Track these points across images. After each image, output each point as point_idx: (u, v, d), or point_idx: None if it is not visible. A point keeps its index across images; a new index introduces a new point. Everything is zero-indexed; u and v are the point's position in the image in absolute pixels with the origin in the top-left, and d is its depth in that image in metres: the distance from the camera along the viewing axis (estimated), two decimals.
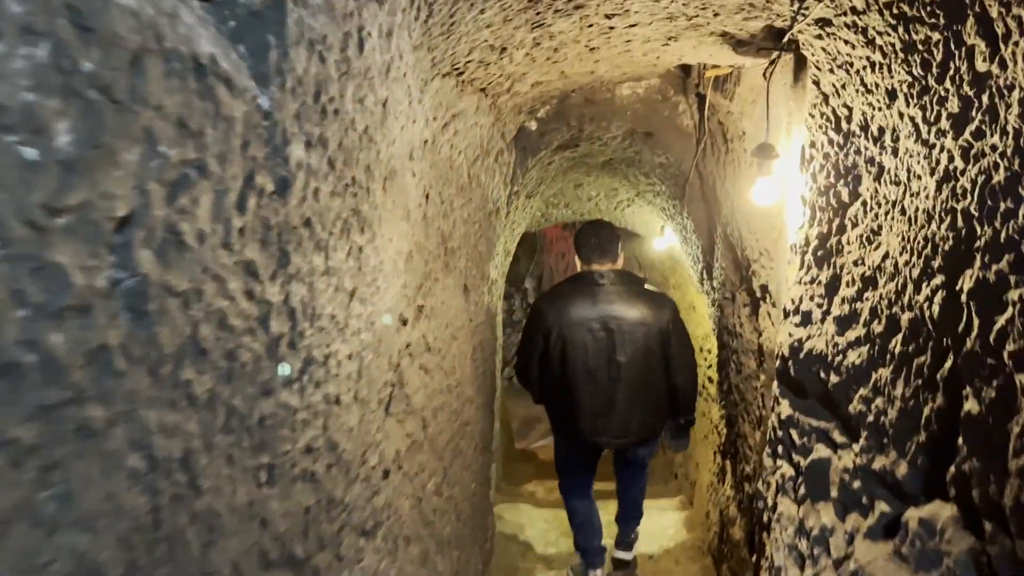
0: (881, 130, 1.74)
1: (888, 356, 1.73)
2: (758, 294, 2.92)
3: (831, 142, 2.00)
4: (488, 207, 3.06)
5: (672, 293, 6.03)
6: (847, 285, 1.98)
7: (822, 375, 2.12)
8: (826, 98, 1.98)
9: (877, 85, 1.71)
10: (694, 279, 5.01)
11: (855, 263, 1.93)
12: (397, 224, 1.84)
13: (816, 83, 2.01)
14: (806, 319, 2.21)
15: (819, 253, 2.13)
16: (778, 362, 2.42)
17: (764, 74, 2.22)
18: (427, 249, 2.32)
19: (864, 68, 1.75)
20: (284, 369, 1.06)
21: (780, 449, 2.41)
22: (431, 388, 2.40)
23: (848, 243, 1.97)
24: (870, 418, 1.83)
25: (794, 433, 2.30)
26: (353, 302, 1.49)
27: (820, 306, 2.14)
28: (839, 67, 1.84)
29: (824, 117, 2.01)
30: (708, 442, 5.02)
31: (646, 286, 3.06)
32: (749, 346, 3.15)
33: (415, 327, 2.28)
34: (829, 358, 2.08)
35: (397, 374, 2.16)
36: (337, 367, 1.40)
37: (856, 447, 1.90)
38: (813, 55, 1.91)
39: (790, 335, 2.31)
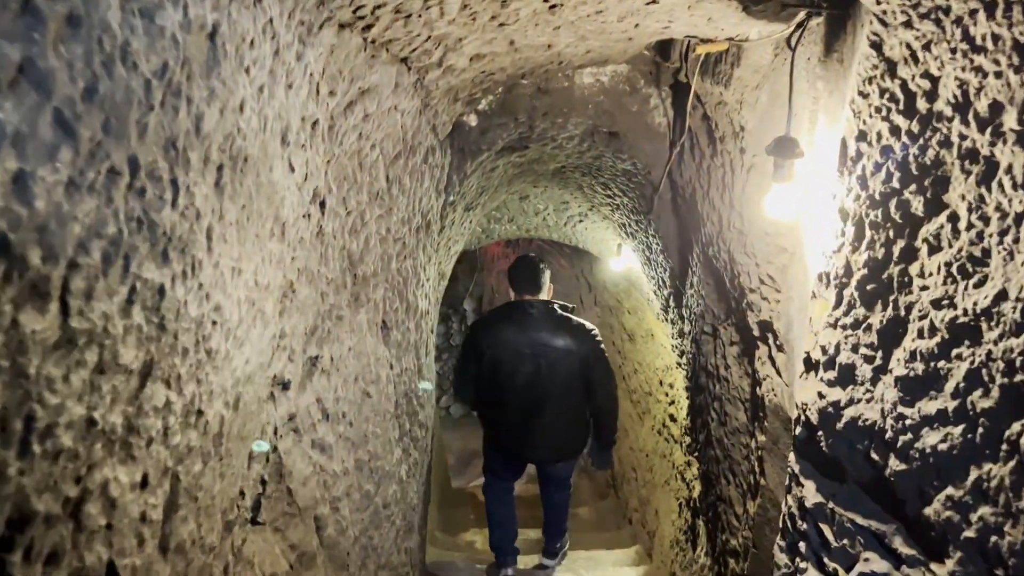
0: (996, 108, 1.15)
1: (1003, 446, 1.14)
2: (755, 332, 2.32)
3: (896, 131, 1.41)
4: (416, 220, 2.40)
5: (626, 319, 5.45)
6: (921, 335, 1.38)
7: (874, 456, 1.52)
8: (893, 68, 1.39)
9: (996, 38, 1.13)
10: (655, 305, 4.43)
11: (937, 304, 1.33)
12: (259, 244, 1.16)
13: (877, 46, 1.42)
14: (847, 376, 1.61)
15: (870, 287, 1.54)
16: (798, 429, 1.82)
17: (788, 42, 1.63)
18: (324, 278, 1.65)
19: (971, 13, 1.16)
20: None
21: (803, 547, 1.80)
22: (330, 472, 1.72)
23: (924, 275, 1.37)
24: (967, 533, 1.23)
25: (827, 529, 1.70)
26: (148, 390, 0.81)
27: (870, 360, 1.54)
28: (923, 16, 1.25)
29: (887, 96, 1.42)
30: (670, 489, 4.43)
31: (572, 317, 3.27)
32: (738, 394, 2.55)
33: (304, 390, 1.60)
34: (888, 434, 1.48)
35: (272, 465, 1.47)
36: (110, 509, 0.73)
37: (940, 570, 1.31)
38: (880, 3, 1.33)
39: (820, 396, 1.71)
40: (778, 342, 2.15)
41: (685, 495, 4.00)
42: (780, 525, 1.98)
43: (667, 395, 4.61)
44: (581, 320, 3.23)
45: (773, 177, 1.74)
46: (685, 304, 3.34)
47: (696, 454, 3.34)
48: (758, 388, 2.33)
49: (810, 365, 1.78)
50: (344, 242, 1.77)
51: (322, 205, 1.57)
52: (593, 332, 3.19)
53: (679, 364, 4.07)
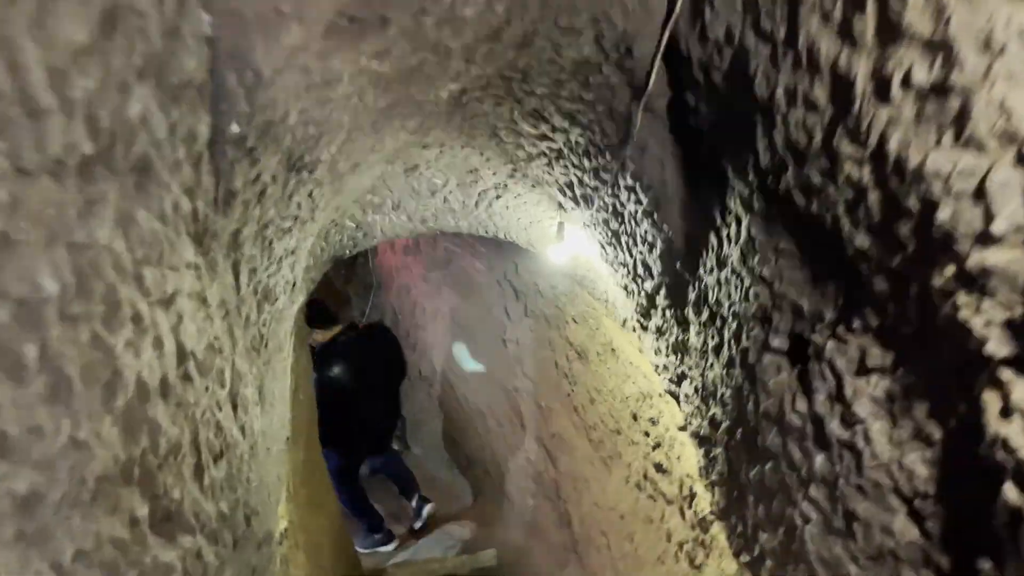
0: None
1: None
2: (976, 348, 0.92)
3: None
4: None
5: (572, 332, 4.01)
6: None
7: None
8: None
9: None
10: (621, 308, 3.00)
11: None
12: None
13: None
14: None
15: None
16: None
17: None
18: None
19: None
20: None
21: None
22: None
23: None
24: None
25: None
26: None
27: None
28: None
29: None
30: (664, 570, 3.02)
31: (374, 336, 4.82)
32: (889, 484, 1.15)
33: None
34: None
35: None
36: None
37: None
38: None
39: None
40: None
41: None
42: None
43: (648, 435, 3.20)
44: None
45: None
46: (701, 299, 1.92)
47: (747, 554, 1.92)
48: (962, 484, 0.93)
49: None
50: None
51: None
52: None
53: (672, 392, 2.66)
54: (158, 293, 1.03)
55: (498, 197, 3.12)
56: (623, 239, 2.31)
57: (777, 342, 1.49)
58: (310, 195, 2.00)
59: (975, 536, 0.98)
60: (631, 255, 2.32)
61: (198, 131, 1.23)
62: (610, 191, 2.13)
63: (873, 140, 0.99)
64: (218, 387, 1.40)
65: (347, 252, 3.55)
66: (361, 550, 5.49)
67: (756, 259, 1.49)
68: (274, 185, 1.70)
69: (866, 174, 1.03)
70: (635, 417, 3.33)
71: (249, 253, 1.70)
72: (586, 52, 1.59)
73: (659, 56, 1.47)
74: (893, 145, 0.96)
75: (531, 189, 2.84)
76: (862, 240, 1.09)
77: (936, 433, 1.03)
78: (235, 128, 1.36)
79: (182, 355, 1.13)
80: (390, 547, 5.79)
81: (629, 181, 1.96)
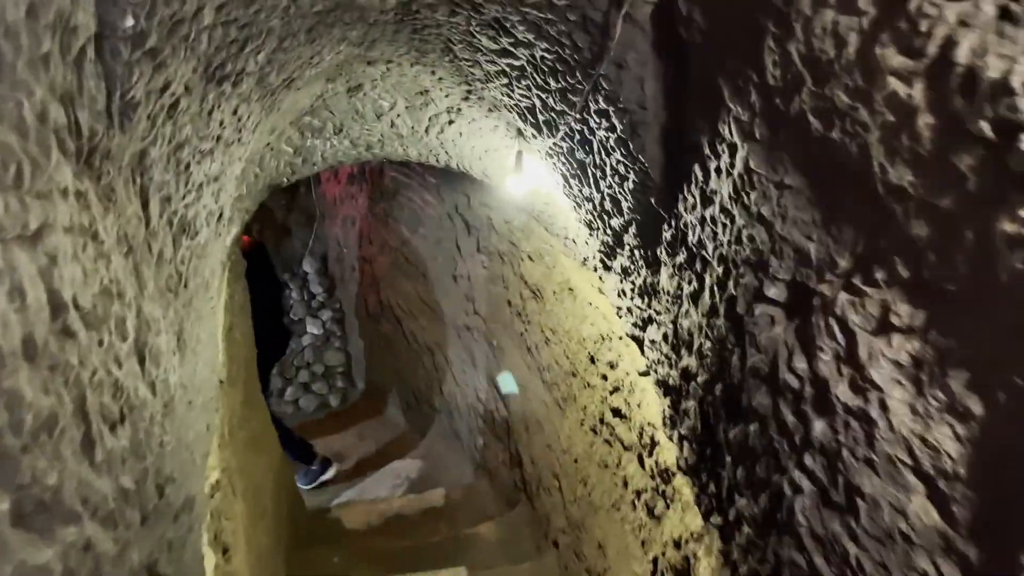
0: None
1: None
2: None
3: None
4: None
5: (527, 269, 3.82)
6: None
7: None
8: None
9: None
10: (582, 245, 2.82)
11: None
12: None
13: None
14: None
15: None
16: None
17: None
18: None
19: None
20: None
21: None
22: None
23: None
24: None
25: None
26: None
27: None
28: None
29: None
30: (623, 519, 2.93)
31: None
32: (899, 449, 1.00)
33: None
34: None
35: None
36: None
37: None
38: None
39: None
40: None
41: (659, 537, 2.50)
42: None
43: (606, 379, 3.06)
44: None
45: None
46: (677, 239, 1.74)
47: (718, 515, 1.79)
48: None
49: None
50: None
51: None
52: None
53: (635, 337, 2.51)
54: (15, 229, 0.79)
55: (451, 122, 2.86)
56: (590, 171, 2.10)
57: (774, 292, 1.32)
58: (235, 112, 1.72)
59: (1017, 530, 0.84)
60: (598, 189, 2.12)
61: (75, 20, 0.96)
62: (578, 116, 1.90)
63: (933, 48, 0.79)
64: (117, 339, 1.16)
65: (285, 180, 3.26)
66: (303, 487, 5.33)
67: (753, 196, 1.30)
68: (189, 98, 1.42)
69: (917, 92, 0.84)
70: (592, 359, 3.19)
71: (160, 179, 1.43)
72: None
73: None
74: (962, 54, 0.76)
75: (487, 114, 2.59)
76: (900, 174, 0.91)
77: (977, 408, 0.87)
78: (130, 21, 1.08)
79: (57, 306, 0.89)
80: (330, 473, 5.61)
81: (601, 104, 1.73)
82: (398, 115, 2.87)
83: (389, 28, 2.06)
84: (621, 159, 1.83)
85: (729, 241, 1.45)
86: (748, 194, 1.32)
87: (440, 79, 2.52)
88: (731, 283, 1.49)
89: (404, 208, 5.46)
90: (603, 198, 2.13)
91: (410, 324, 6.03)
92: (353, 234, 6.41)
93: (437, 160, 3.33)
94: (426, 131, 2.98)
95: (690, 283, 1.74)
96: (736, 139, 1.31)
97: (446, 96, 2.65)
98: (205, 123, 1.57)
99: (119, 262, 1.20)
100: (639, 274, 2.17)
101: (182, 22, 1.23)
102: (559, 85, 1.88)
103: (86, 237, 1.05)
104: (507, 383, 4.40)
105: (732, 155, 1.35)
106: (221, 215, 2.10)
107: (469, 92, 2.49)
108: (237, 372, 3.63)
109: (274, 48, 1.69)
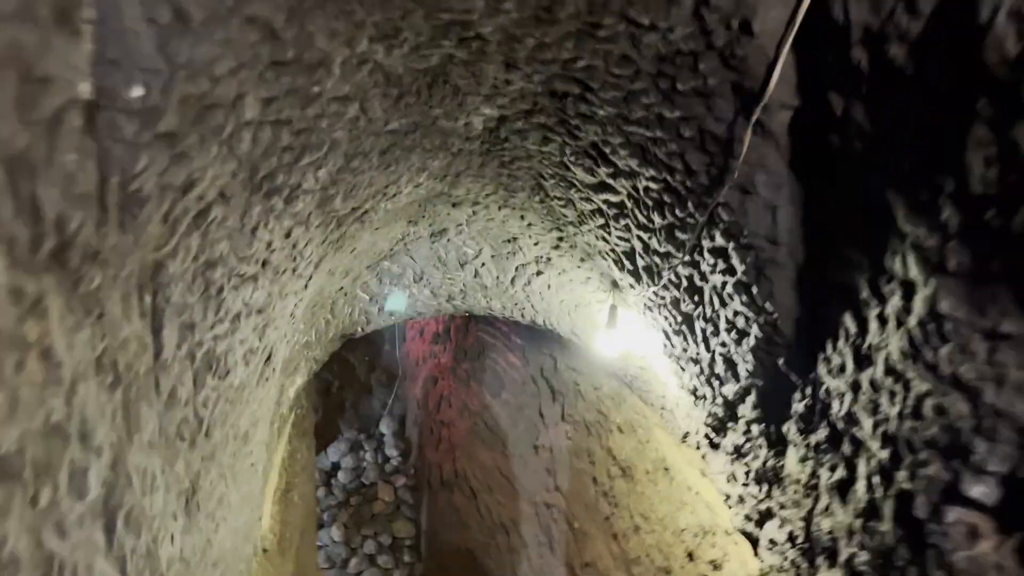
0: None
1: None
2: None
3: None
4: None
5: (617, 443, 3.39)
6: None
7: None
8: None
9: None
10: (683, 417, 2.41)
11: None
12: None
13: None
14: None
15: None
16: None
17: None
18: None
19: None
20: None
21: None
22: None
23: None
24: None
25: None
26: None
27: None
28: None
29: None
30: None
31: None
32: None
33: None
34: None
35: None
36: None
37: None
38: None
39: None
40: None
41: None
42: None
43: None
44: None
45: None
46: (814, 411, 1.34)
47: None
48: None
49: None
50: None
51: None
52: None
53: (748, 533, 2.03)
54: None
55: (539, 273, 2.61)
56: (698, 325, 1.75)
57: (978, 490, 0.90)
58: (287, 235, 1.50)
59: None
60: (708, 348, 1.76)
61: (46, 70, 0.74)
62: (687, 257, 1.59)
63: None
64: (68, 497, 0.86)
65: (360, 329, 3.05)
66: None
67: (945, 351, 0.92)
68: (225, 207, 1.20)
69: None
70: (690, 556, 2.67)
71: (181, 300, 1.19)
72: (678, 37, 1.09)
73: (794, 31, 0.97)
74: None
75: (579, 264, 2.32)
76: None
77: None
78: (138, 91, 0.88)
79: None
80: None
81: (718, 241, 1.42)
82: (483, 264, 2.65)
83: (475, 160, 1.87)
84: (740, 309, 1.49)
85: (901, 415, 1.05)
86: (936, 350, 0.95)
87: (529, 224, 2.30)
88: (903, 474, 1.07)
89: (487, 370, 5.19)
90: (713, 359, 1.76)
91: (485, 498, 5.56)
92: (434, 395, 6.15)
93: (523, 315, 3.06)
94: (512, 282, 2.73)
95: (833, 470, 1.33)
96: (915, 274, 0.96)
97: (535, 244, 2.41)
98: (247, 242, 1.35)
99: (90, 394, 0.93)
100: (757, 455, 1.75)
101: (214, 108, 1.03)
102: (665, 221, 1.60)
103: (35, 354, 0.79)
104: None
105: (908, 297, 0.99)
106: (270, 357, 1.85)
107: (560, 239, 2.24)
108: (290, 540, 3.27)
109: (340, 167, 1.49)
